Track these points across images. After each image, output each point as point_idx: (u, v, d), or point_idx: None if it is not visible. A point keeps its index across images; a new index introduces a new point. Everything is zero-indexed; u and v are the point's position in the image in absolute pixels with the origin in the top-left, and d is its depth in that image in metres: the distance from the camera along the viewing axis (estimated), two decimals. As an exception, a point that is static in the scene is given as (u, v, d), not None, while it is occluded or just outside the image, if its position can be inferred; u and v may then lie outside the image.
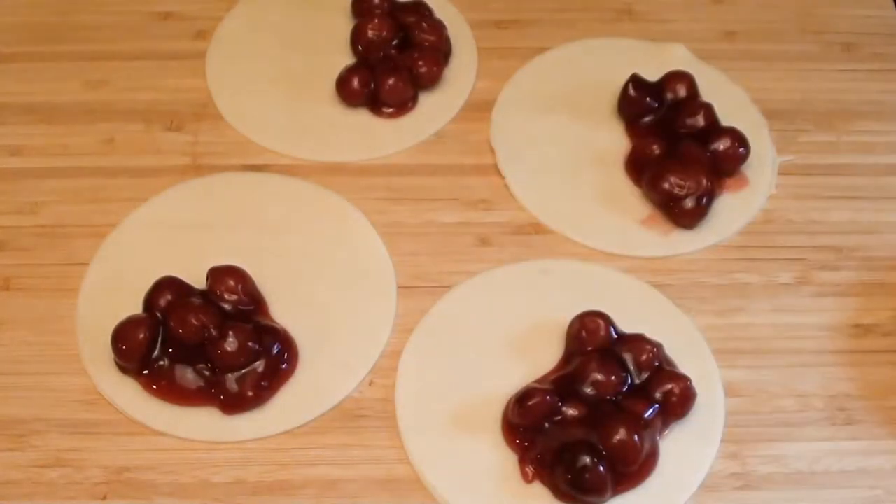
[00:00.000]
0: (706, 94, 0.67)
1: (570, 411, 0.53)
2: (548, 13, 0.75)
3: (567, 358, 0.57)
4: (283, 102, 0.70)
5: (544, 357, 0.58)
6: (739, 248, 0.63)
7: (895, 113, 0.70)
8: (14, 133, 0.68)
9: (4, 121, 0.69)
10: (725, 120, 0.66)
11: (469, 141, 0.68)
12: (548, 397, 0.53)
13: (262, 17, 0.75)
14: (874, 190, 0.66)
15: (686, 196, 0.62)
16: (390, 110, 0.69)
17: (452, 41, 0.72)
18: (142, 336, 0.56)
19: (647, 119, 0.67)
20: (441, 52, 0.71)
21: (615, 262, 0.62)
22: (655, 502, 0.53)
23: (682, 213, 0.62)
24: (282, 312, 0.59)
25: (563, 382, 0.55)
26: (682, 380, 0.55)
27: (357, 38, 0.70)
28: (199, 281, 0.59)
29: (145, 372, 0.56)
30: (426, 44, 0.70)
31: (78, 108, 0.69)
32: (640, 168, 0.65)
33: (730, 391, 0.57)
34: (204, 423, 0.56)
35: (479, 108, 0.70)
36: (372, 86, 0.68)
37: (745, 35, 0.74)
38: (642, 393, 0.55)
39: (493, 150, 0.67)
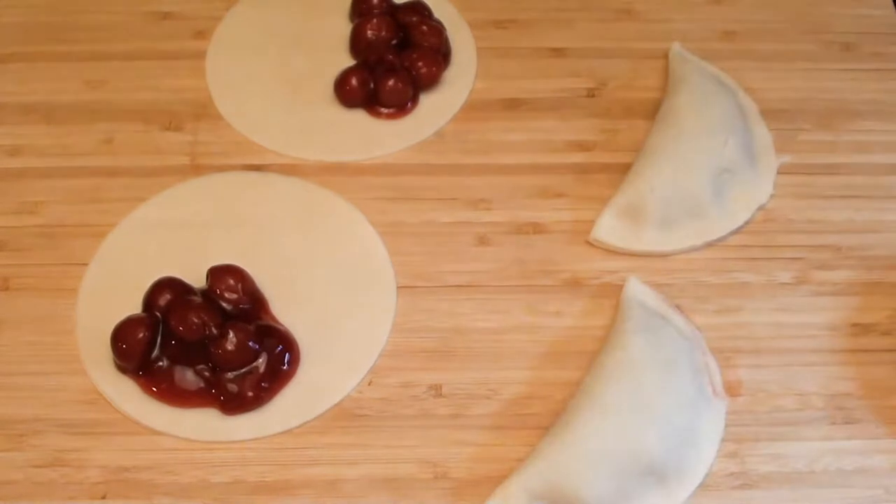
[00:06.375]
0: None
1: None
2: (547, 13, 0.75)
3: None
4: (283, 102, 0.70)
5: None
6: (739, 247, 0.63)
7: (895, 113, 0.70)
8: (14, 133, 0.68)
9: (4, 121, 0.69)
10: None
11: (469, 141, 0.68)
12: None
13: (262, 18, 0.75)
14: (873, 189, 0.66)
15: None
16: (390, 111, 0.69)
17: (452, 41, 0.72)
18: (141, 335, 0.56)
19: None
20: (440, 53, 0.71)
21: (614, 259, 0.62)
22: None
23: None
24: (282, 312, 0.59)
25: None
26: None
27: (356, 38, 0.71)
28: (199, 281, 0.59)
29: (145, 373, 0.56)
30: (425, 44, 0.70)
31: (78, 108, 0.69)
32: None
33: (729, 390, 0.57)
34: (203, 423, 0.56)
35: (478, 108, 0.70)
36: (371, 86, 0.68)
37: (745, 35, 0.74)
38: None
39: (491, 151, 0.67)
